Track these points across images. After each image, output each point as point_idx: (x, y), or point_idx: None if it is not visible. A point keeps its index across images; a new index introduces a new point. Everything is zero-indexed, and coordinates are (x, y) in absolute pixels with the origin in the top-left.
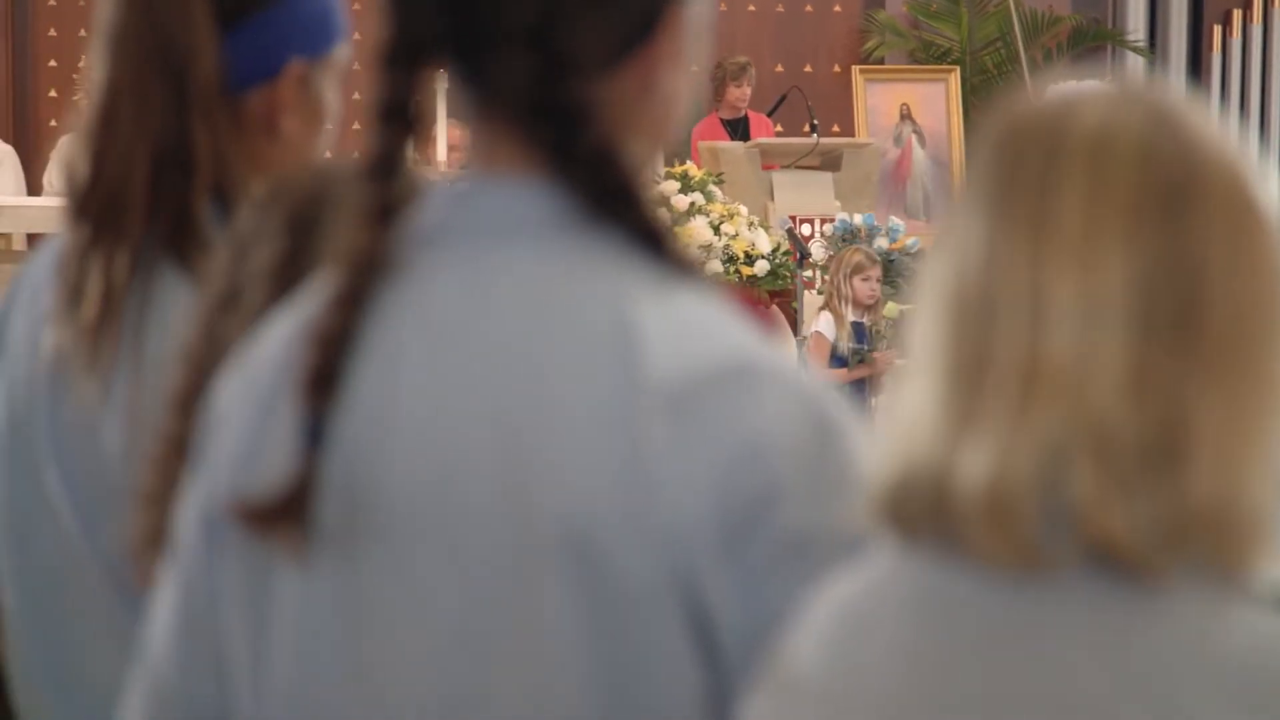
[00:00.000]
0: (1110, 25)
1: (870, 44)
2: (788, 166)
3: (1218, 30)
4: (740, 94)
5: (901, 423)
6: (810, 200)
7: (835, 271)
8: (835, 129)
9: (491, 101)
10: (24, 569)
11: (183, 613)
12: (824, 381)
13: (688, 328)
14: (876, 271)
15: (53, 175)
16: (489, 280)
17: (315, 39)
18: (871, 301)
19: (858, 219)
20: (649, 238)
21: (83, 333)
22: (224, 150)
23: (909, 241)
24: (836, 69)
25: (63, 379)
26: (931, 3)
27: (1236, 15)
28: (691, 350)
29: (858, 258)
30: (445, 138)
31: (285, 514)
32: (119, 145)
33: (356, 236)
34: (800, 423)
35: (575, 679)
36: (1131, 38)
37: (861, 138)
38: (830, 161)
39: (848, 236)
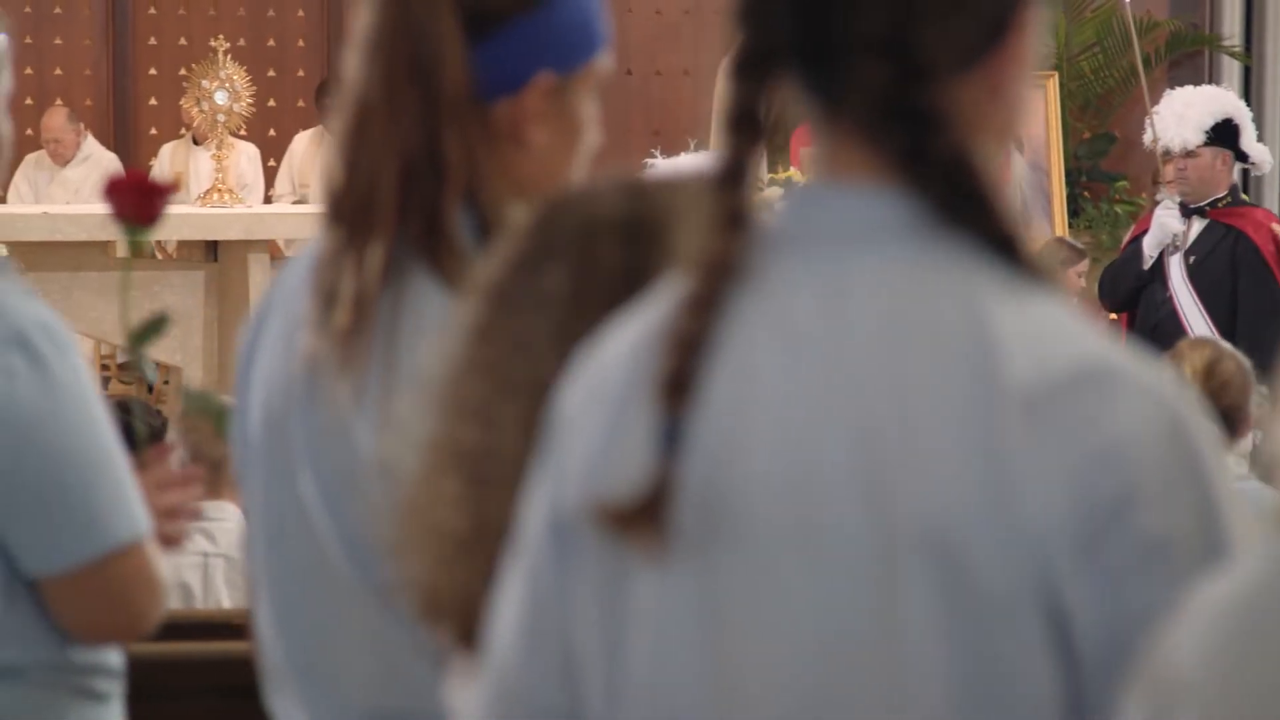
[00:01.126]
0: (1207, 30)
1: None
2: None
3: None
4: None
5: None
6: None
7: None
8: None
9: (841, 108)
10: (277, 570)
11: (530, 613)
12: (1179, 384)
13: (1044, 331)
14: (1083, 265)
15: None
16: (843, 284)
17: (567, 52)
18: (1078, 295)
19: None
20: (1002, 242)
21: (336, 336)
22: (474, 157)
23: None
24: None
25: (317, 382)
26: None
27: None
28: (1048, 353)
29: (1064, 252)
30: None
31: (644, 517)
32: (371, 151)
33: (709, 242)
34: (1157, 425)
35: (935, 682)
36: (1228, 42)
37: None
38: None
39: None
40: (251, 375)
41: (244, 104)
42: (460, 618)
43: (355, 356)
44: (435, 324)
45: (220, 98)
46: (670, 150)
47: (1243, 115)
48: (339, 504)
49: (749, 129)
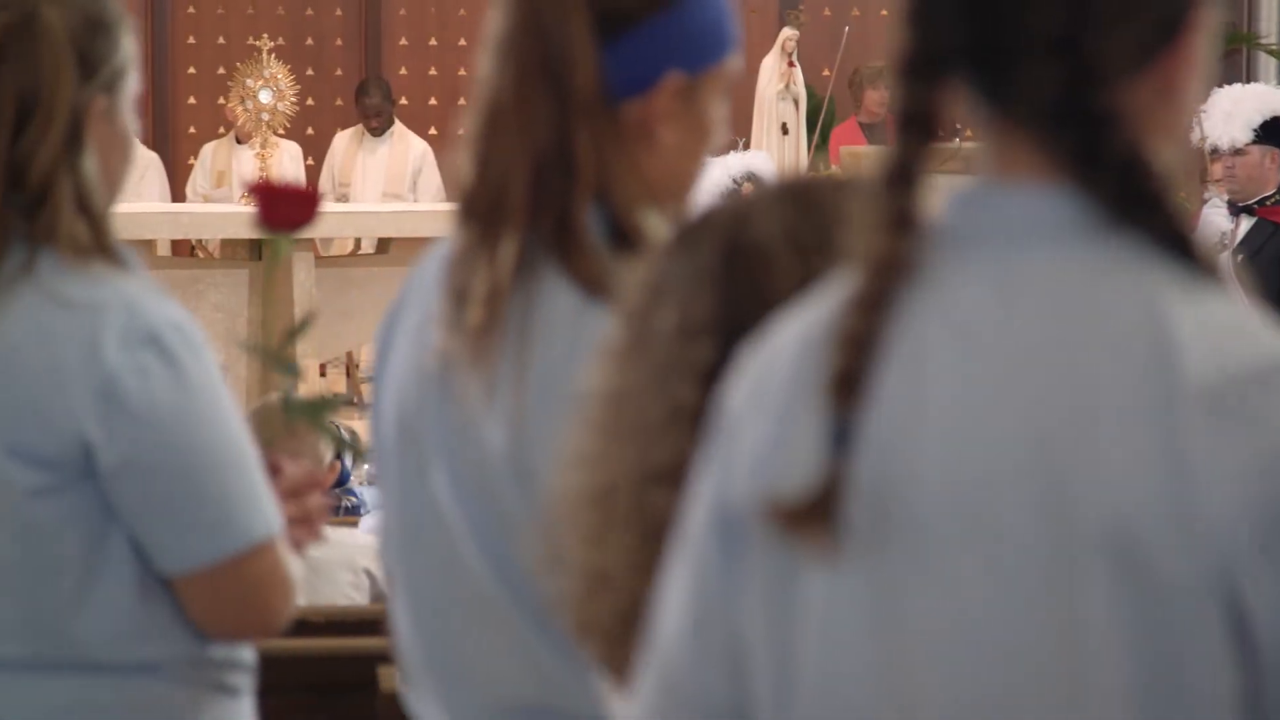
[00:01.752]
0: (1245, 28)
1: None
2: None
3: None
4: (878, 97)
5: None
6: None
7: None
8: (967, 134)
9: (1010, 109)
10: (413, 568)
11: (695, 610)
12: None
13: (1221, 328)
14: None
15: (197, 181)
16: (1015, 283)
17: (697, 52)
18: None
19: None
20: (1175, 241)
21: (468, 335)
22: (605, 157)
23: None
24: None
25: (449, 380)
26: None
27: None
28: (1228, 349)
29: None
30: None
31: (815, 515)
32: (502, 151)
33: (878, 241)
34: None
35: (1115, 683)
36: (1266, 40)
37: None
38: (972, 166)
39: None
40: (385, 373)
41: (288, 102)
42: (610, 639)
43: (487, 354)
44: (566, 323)
45: (265, 96)
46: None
47: None
48: (471, 501)
49: (919, 130)
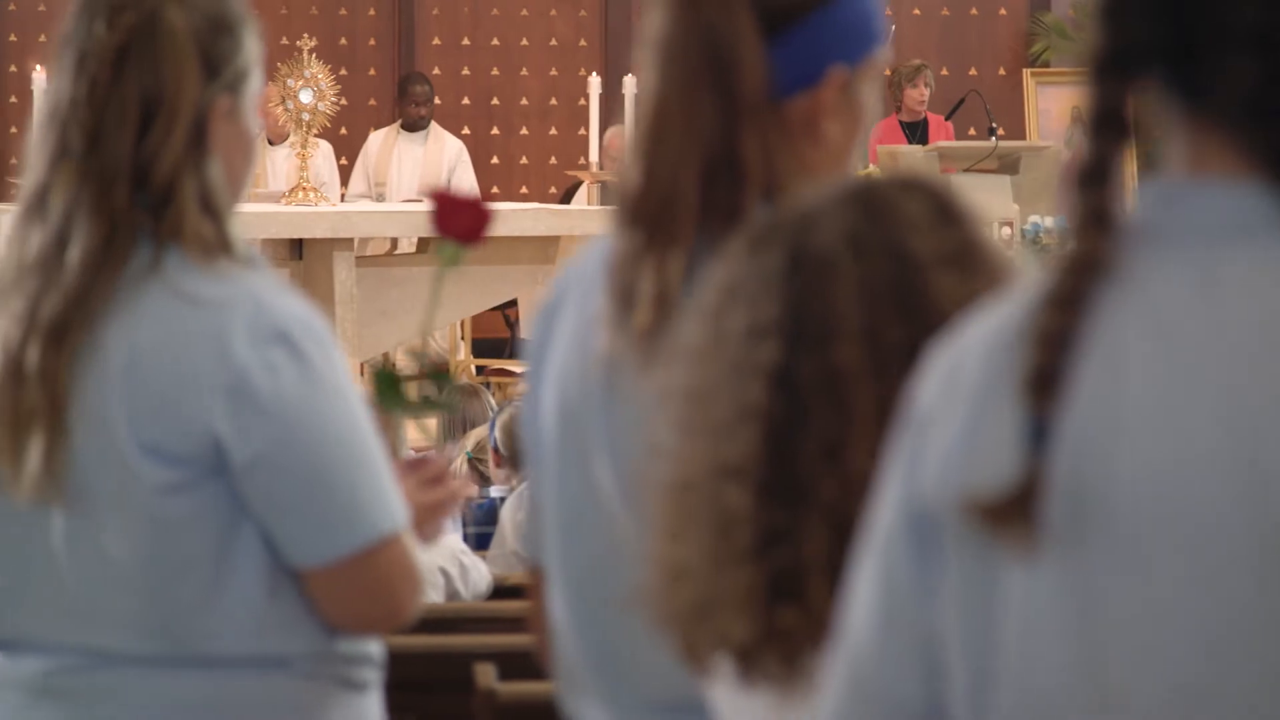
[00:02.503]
0: None
1: (1037, 47)
2: (966, 170)
3: None
4: (917, 95)
5: None
6: (989, 203)
7: None
8: (1000, 132)
9: (1206, 105)
10: (572, 560)
11: (886, 607)
12: None
13: None
14: None
15: None
16: (1215, 279)
17: (855, 44)
18: None
19: (1049, 221)
20: None
21: (637, 335)
22: (772, 155)
23: None
24: (1002, 71)
25: (616, 378)
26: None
27: None
28: None
29: None
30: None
31: (1014, 512)
32: (670, 152)
33: (1075, 240)
34: None
35: None
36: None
37: (1037, 140)
38: (1008, 165)
39: (1039, 239)
40: (544, 370)
41: (328, 103)
42: (688, 631)
43: (658, 355)
44: None
45: (305, 96)
46: None
47: None
48: (635, 495)
49: (1113, 128)
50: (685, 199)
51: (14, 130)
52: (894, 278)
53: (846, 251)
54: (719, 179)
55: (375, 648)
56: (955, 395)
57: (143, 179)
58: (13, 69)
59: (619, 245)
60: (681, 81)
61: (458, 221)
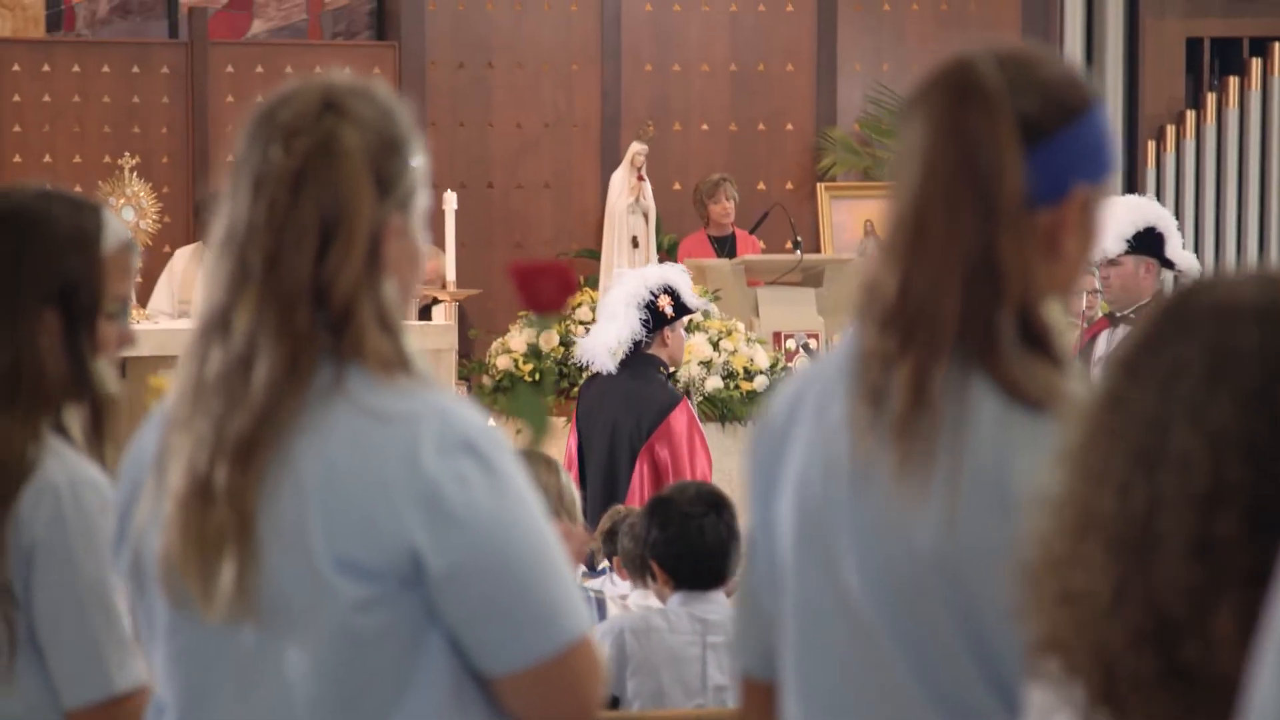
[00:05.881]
0: None
1: (825, 162)
2: (771, 282)
3: (1152, 145)
4: (721, 209)
5: None
6: (794, 316)
7: None
8: (786, 246)
9: None
10: (811, 661)
11: None
12: None
13: None
14: None
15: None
16: None
17: (1098, 164)
18: None
19: None
20: None
21: (892, 439)
22: (1028, 266)
23: None
24: (790, 186)
25: (866, 478)
26: (883, 120)
27: (1170, 131)
28: None
29: None
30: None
31: None
32: (929, 262)
33: None
34: None
35: None
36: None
37: (830, 253)
38: (812, 278)
39: None
40: (776, 485)
41: (149, 220)
42: (1098, 676)
43: (914, 459)
44: (994, 427)
45: (128, 214)
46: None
47: (1166, 223)
48: (887, 593)
49: None
50: (946, 307)
51: (17, 129)
52: None
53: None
54: (979, 288)
55: None
56: None
57: (322, 299)
58: (16, 67)
59: (866, 349)
60: (944, 190)
61: (542, 291)
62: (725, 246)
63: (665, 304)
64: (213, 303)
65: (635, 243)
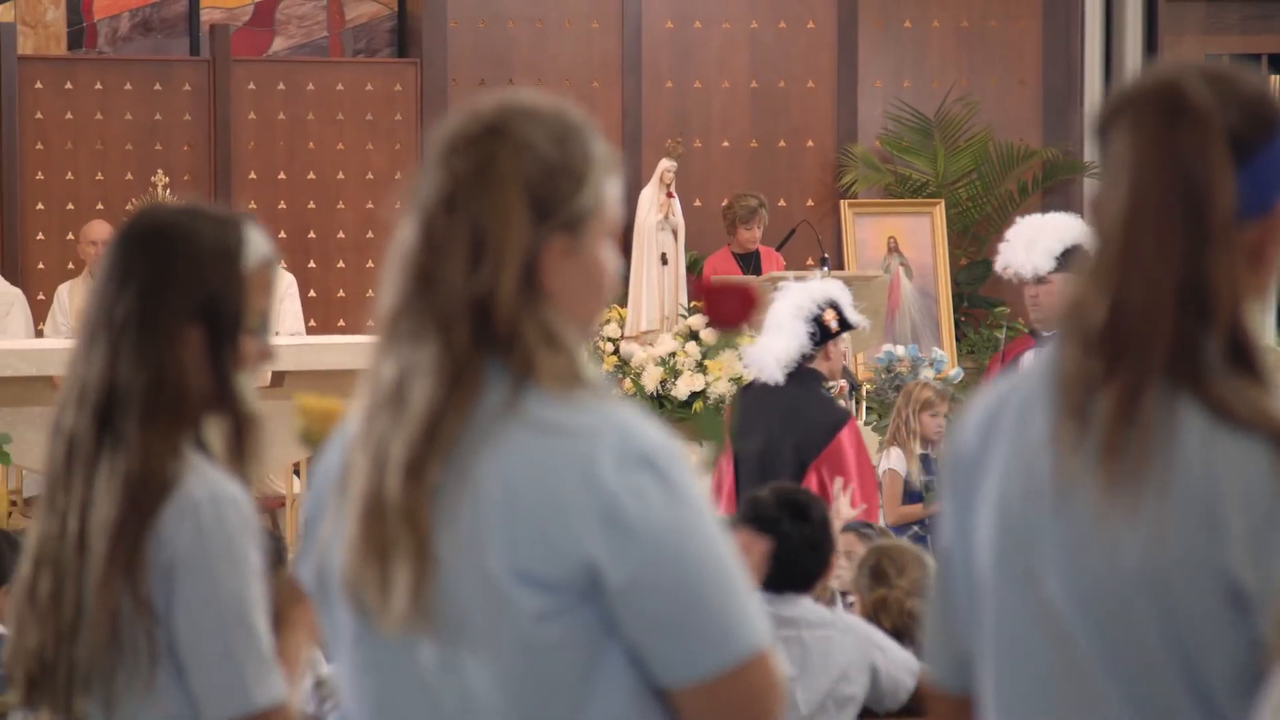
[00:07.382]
0: (1081, 157)
1: (848, 178)
2: None
3: None
4: (750, 236)
5: None
6: None
7: (903, 406)
8: (809, 262)
9: None
10: (1012, 676)
11: None
12: None
13: None
14: (945, 407)
15: (57, 319)
16: None
17: None
18: (939, 438)
19: (900, 350)
20: None
21: (1101, 458)
22: (1237, 283)
23: (952, 372)
24: (810, 203)
25: (1070, 495)
26: (904, 137)
27: None
28: None
29: (927, 394)
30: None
31: None
32: (1141, 279)
33: None
34: None
35: None
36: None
37: (854, 270)
38: None
39: (891, 368)
40: (976, 489)
41: None
42: None
43: (1123, 477)
44: (1201, 447)
45: None
46: None
47: None
48: (1091, 607)
49: None
50: (1160, 329)
51: (39, 146)
52: None
53: None
54: (1189, 307)
55: None
56: None
57: (484, 318)
58: (38, 85)
59: (1068, 370)
60: (1154, 210)
61: (729, 307)
62: (750, 263)
63: (830, 318)
64: (384, 320)
65: (664, 259)
